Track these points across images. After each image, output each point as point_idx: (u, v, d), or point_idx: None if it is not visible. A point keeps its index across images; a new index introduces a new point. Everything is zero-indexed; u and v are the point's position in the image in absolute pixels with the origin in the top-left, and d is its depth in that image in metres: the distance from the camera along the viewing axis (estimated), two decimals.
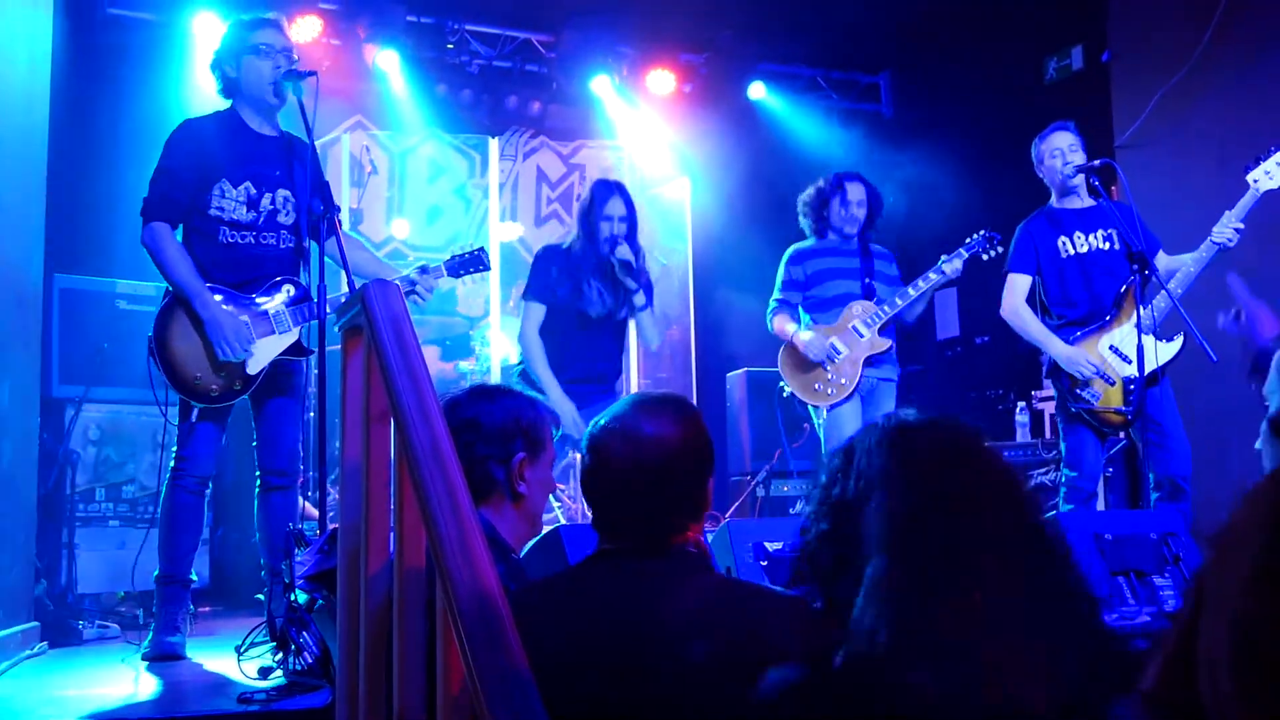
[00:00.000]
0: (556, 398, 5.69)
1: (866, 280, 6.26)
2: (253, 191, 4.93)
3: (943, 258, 6.12)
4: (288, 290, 5.00)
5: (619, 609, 2.18)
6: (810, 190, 6.45)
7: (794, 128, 9.65)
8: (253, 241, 4.95)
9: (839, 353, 6.11)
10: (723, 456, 8.59)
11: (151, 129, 5.05)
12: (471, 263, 5.44)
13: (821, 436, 6.31)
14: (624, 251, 5.81)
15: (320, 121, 4.77)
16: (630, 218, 5.94)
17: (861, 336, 6.14)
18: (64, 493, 6.00)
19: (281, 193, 5.00)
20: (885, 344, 6.16)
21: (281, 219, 5.01)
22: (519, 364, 6.02)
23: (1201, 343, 5.19)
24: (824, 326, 6.20)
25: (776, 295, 6.39)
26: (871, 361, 6.17)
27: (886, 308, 6.14)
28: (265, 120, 5.08)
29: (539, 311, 5.88)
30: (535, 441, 2.88)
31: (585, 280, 5.85)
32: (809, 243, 6.44)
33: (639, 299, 5.90)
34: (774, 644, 1.73)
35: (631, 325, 6.15)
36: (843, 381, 6.12)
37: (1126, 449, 6.09)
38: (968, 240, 6.21)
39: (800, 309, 6.33)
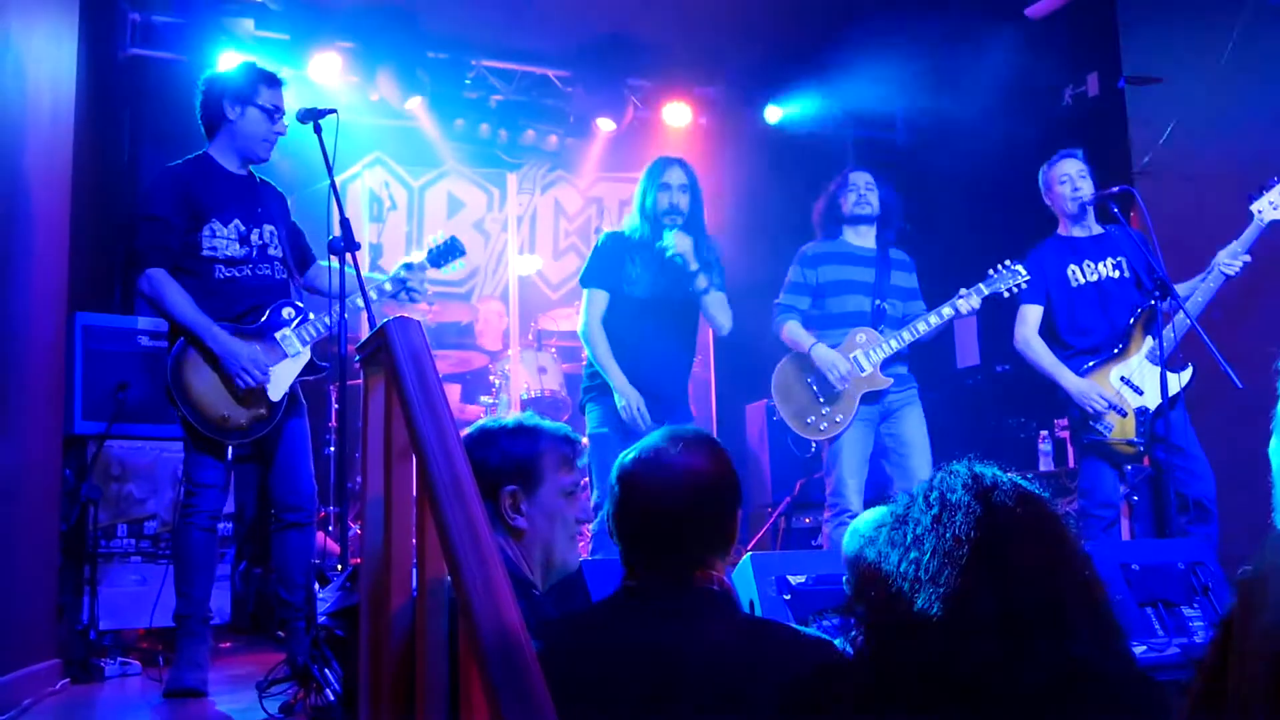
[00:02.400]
0: (620, 385, 5.61)
1: (877, 302, 5.90)
2: (242, 228, 5.03)
3: (960, 292, 5.78)
4: (288, 314, 5.06)
5: (645, 649, 2.16)
6: (823, 192, 6.20)
7: (809, 157, 9.65)
8: (249, 274, 5.03)
9: (840, 386, 5.75)
10: (743, 488, 8.54)
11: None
12: (448, 251, 5.49)
13: (825, 469, 5.96)
14: (674, 241, 5.64)
15: (340, 158, 4.81)
16: (692, 187, 5.80)
17: (863, 371, 5.78)
18: (86, 529, 6.00)
19: (267, 228, 5.12)
20: (886, 382, 5.80)
21: (272, 251, 5.12)
22: (588, 364, 5.89)
23: (1226, 369, 5.16)
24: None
25: (783, 298, 6.04)
26: (871, 397, 5.82)
27: (893, 342, 5.79)
28: (240, 164, 5.17)
29: (601, 298, 5.78)
30: (528, 473, 2.83)
31: (644, 262, 5.75)
32: (822, 244, 6.10)
33: (700, 281, 5.75)
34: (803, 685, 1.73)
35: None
36: (838, 419, 5.77)
37: (1151, 477, 6.05)
38: (990, 274, 5.82)
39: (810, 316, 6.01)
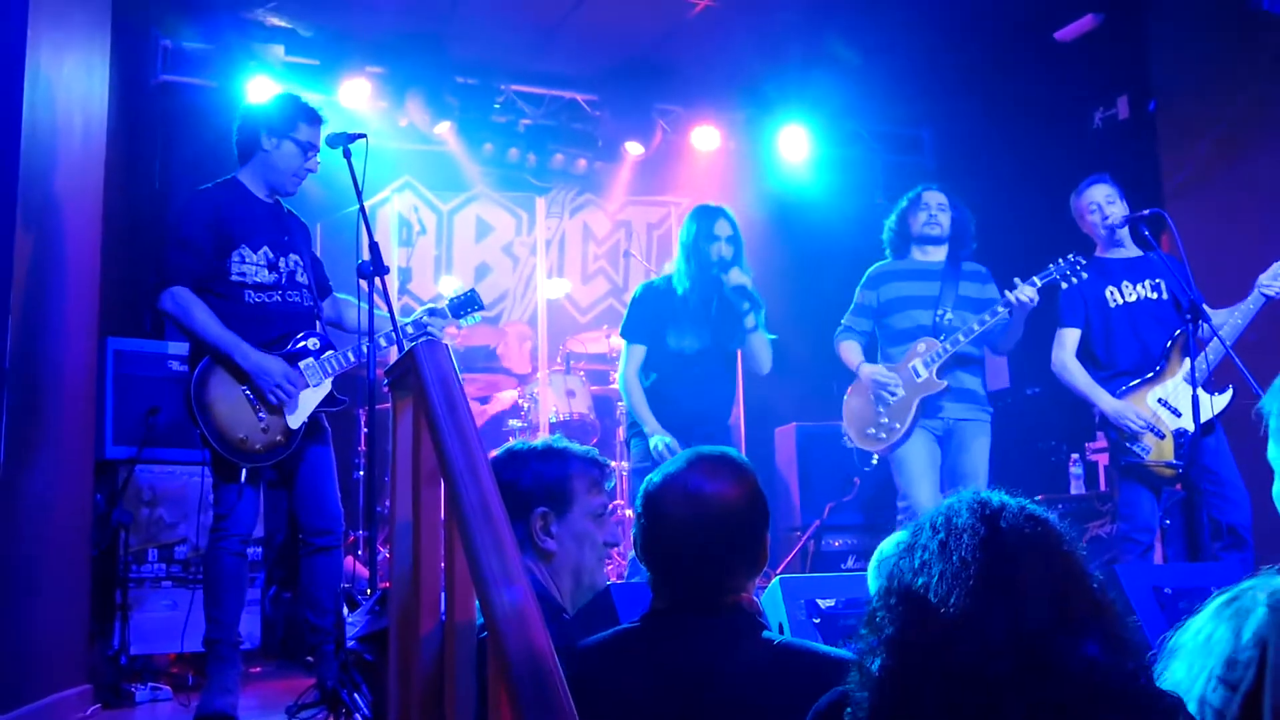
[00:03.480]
0: (652, 429, 5.78)
1: (939, 314, 5.88)
2: (271, 255, 5.04)
3: (1016, 281, 5.70)
4: (313, 344, 5.07)
5: (678, 670, 2.15)
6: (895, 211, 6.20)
7: (838, 180, 9.64)
8: (280, 300, 5.05)
9: (894, 395, 5.77)
10: (772, 511, 8.52)
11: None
12: (466, 304, 5.51)
13: (896, 479, 5.94)
14: (737, 276, 5.81)
15: (369, 183, 4.83)
16: (736, 239, 5.92)
17: (918, 377, 5.77)
18: (117, 554, 6.02)
19: (293, 256, 5.14)
20: (941, 384, 5.76)
21: (300, 278, 5.14)
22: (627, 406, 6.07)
23: (1259, 393, 5.10)
24: (889, 365, 5.89)
25: (845, 319, 6.11)
26: (931, 405, 5.80)
27: (949, 344, 5.76)
28: (268, 194, 5.19)
29: (639, 352, 5.96)
30: (559, 496, 2.83)
31: (690, 314, 5.87)
32: (888, 263, 6.13)
33: (749, 320, 5.88)
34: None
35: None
36: (896, 426, 5.77)
37: (1184, 500, 5.99)
38: (1047, 268, 5.70)
39: (876, 337, 6.07)
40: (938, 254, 6.06)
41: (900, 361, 5.86)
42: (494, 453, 2.93)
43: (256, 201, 5.12)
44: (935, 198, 6.08)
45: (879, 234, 6.23)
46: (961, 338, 5.76)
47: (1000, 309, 5.71)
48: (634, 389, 5.92)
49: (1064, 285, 5.74)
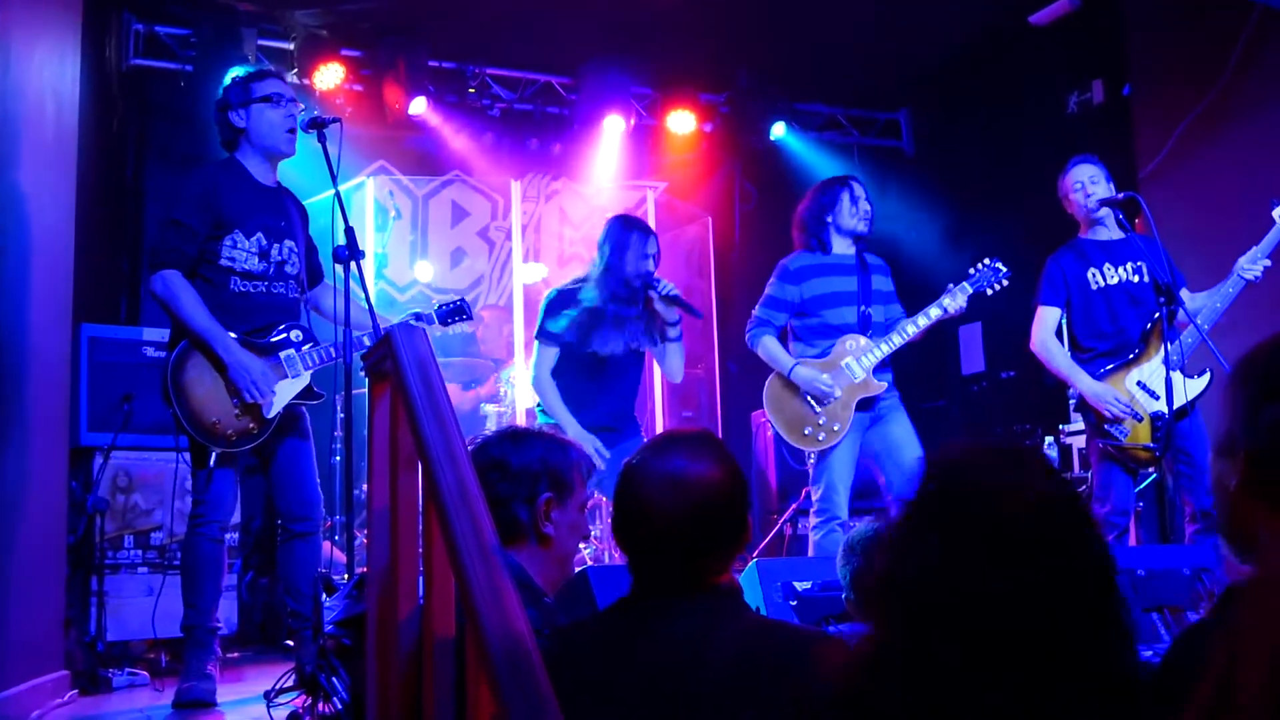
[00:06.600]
0: (576, 434, 5.67)
1: (862, 309, 5.81)
2: (264, 242, 5.01)
3: (948, 288, 5.76)
4: (295, 335, 5.06)
5: (662, 652, 2.15)
6: (808, 198, 6.06)
7: (814, 165, 9.65)
8: (264, 290, 5.02)
9: (835, 396, 5.69)
10: (750, 495, 8.55)
11: (176, 178, 5.11)
12: (456, 312, 5.52)
13: (813, 476, 5.92)
14: (670, 285, 5.79)
15: (343, 167, 4.82)
16: (658, 254, 5.95)
17: (855, 378, 5.72)
18: (93, 540, 6.00)
19: (287, 244, 5.10)
20: (880, 386, 5.74)
21: (288, 269, 5.11)
22: (539, 405, 6.00)
23: None
24: (816, 361, 5.80)
25: (760, 312, 5.94)
26: (865, 403, 5.76)
27: (884, 346, 5.72)
28: (269, 170, 5.17)
29: (551, 354, 5.89)
30: (563, 483, 2.85)
31: (604, 319, 5.82)
32: (807, 257, 5.96)
33: (674, 331, 5.89)
34: (814, 685, 1.71)
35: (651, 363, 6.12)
36: (835, 427, 5.70)
37: (1157, 483, 6.02)
38: (971, 273, 5.84)
39: (789, 332, 5.96)
40: (851, 246, 5.99)
41: (829, 358, 5.79)
42: (493, 430, 2.95)
43: (255, 185, 5.08)
44: (861, 189, 6.02)
45: None
46: (898, 338, 5.75)
47: (934, 310, 5.75)
48: (549, 388, 5.87)
49: (989, 292, 5.82)
